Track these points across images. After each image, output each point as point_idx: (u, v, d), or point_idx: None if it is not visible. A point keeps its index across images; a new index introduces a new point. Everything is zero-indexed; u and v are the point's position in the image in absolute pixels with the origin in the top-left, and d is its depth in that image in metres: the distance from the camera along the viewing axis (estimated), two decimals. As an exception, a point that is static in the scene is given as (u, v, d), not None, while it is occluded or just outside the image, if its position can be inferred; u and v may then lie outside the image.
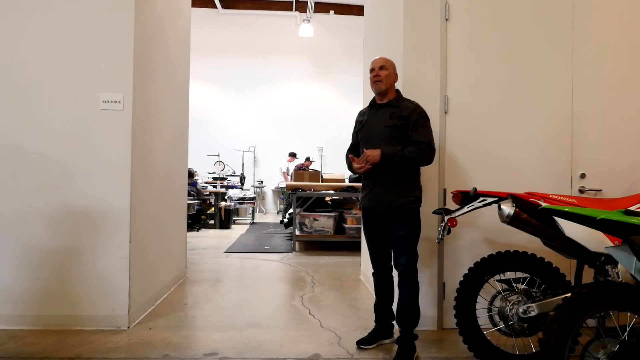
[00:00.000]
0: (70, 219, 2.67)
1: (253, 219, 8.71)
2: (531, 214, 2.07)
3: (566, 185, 2.78)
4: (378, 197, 2.35)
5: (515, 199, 2.11)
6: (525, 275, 2.24)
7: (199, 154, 9.15)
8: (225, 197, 8.20)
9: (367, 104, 2.55)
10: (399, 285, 2.37)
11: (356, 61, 3.00)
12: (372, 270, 2.55)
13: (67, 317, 2.66)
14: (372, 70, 2.40)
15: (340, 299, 3.44)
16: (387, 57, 2.47)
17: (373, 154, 2.26)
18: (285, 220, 6.56)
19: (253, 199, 8.89)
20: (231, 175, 9.73)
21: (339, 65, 10.74)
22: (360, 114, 2.57)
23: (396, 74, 2.43)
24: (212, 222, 7.70)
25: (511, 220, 2.09)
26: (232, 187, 9.00)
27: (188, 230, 4.67)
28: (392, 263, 2.42)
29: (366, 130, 2.44)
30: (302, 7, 10.46)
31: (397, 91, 2.44)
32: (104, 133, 2.68)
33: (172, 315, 2.99)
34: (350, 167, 2.51)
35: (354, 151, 2.55)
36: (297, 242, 5.70)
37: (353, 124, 2.63)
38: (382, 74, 2.36)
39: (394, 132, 2.30)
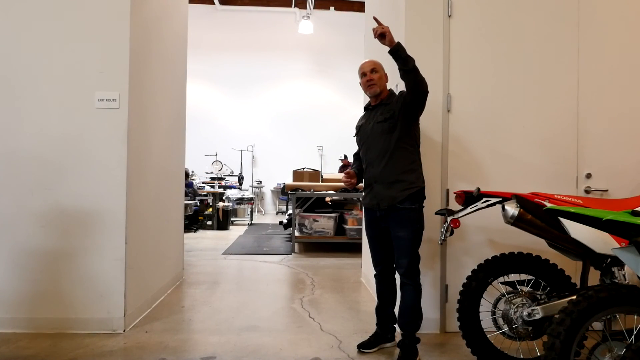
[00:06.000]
0: (65, 219, 2.62)
1: (252, 219, 8.66)
2: (536, 214, 2.04)
3: (572, 185, 2.74)
4: (380, 194, 2.32)
5: (520, 199, 2.08)
6: (530, 277, 2.21)
7: (197, 153, 9.10)
8: (223, 198, 8.15)
9: (365, 108, 2.56)
10: (401, 288, 2.34)
11: (357, 59, 2.98)
12: (374, 272, 2.52)
13: (61, 320, 2.61)
14: (363, 74, 2.38)
15: (341, 302, 3.40)
16: (375, 59, 2.46)
17: (391, 33, 2.10)
18: (285, 221, 6.52)
19: (252, 199, 8.85)
20: (229, 175, 9.68)
21: (340, 62, 10.69)
22: (359, 120, 2.58)
23: (386, 75, 2.42)
24: (209, 223, 7.65)
25: (515, 221, 2.06)
26: (230, 187, 8.95)
27: (185, 232, 4.63)
28: (394, 264, 2.38)
29: (363, 132, 2.45)
30: (301, 3, 10.43)
31: (390, 90, 2.43)
32: (99, 132, 2.63)
33: (168, 318, 2.95)
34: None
35: (358, 159, 2.55)
36: (296, 244, 5.66)
37: (353, 122, 2.62)
38: (375, 77, 2.35)
39: (384, 126, 2.29)
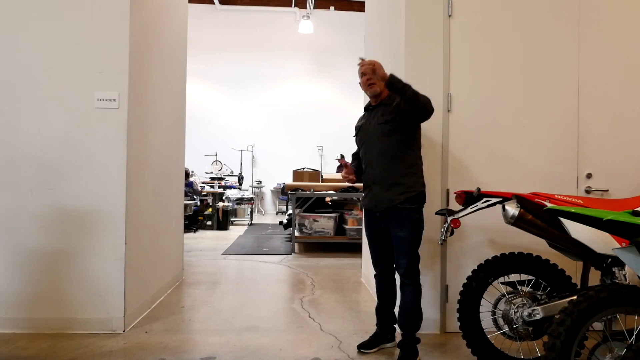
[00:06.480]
0: (65, 220, 2.61)
1: (251, 219, 8.65)
2: (536, 214, 2.03)
3: (572, 185, 2.74)
4: (378, 196, 2.32)
5: (520, 199, 2.07)
6: (530, 277, 2.20)
7: (196, 153, 9.09)
8: (223, 198, 8.14)
9: (365, 108, 2.55)
10: (401, 288, 2.34)
11: (357, 58, 3.01)
12: (374, 272, 2.51)
13: (60, 321, 2.60)
14: (363, 74, 2.37)
15: (341, 302, 3.39)
16: (380, 57, 2.48)
17: (381, 68, 2.14)
18: (285, 221, 6.51)
19: (251, 199, 8.84)
20: (229, 175, 9.67)
21: (340, 62, 10.66)
22: (358, 120, 2.57)
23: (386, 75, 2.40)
24: (209, 223, 7.64)
25: (516, 221, 2.05)
26: (230, 187, 8.94)
27: (185, 232, 4.62)
28: (394, 265, 2.38)
29: (363, 133, 2.44)
30: (301, 3, 10.41)
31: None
32: (98, 132, 2.62)
33: (168, 318, 2.94)
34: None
35: (357, 158, 2.55)
36: (296, 244, 5.65)
37: (353, 122, 2.62)
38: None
39: (385, 128, 2.28)
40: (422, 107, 2.16)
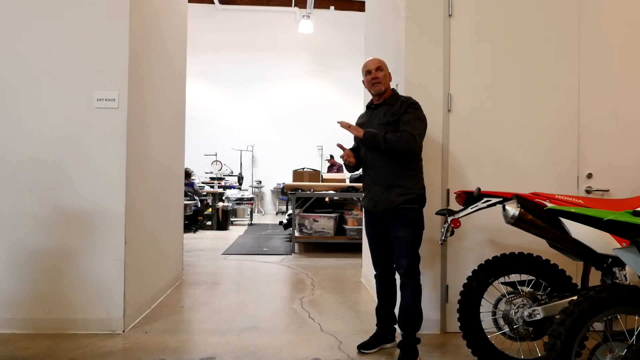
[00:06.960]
0: (64, 220, 2.61)
1: (251, 220, 8.65)
2: (536, 214, 2.03)
3: (572, 185, 2.73)
4: (377, 196, 2.32)
5: (520, 199, 2.07)
6: (531, 277, 2.20)
7: (196, 153, 9.08)
8: (223, 198, 8.14)
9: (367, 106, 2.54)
10: (401, 288, 2.33)
11: (357, 58, 3.02)
12: (374, 273, 2.51)
13: (60, 321, 2.60)
14: (368, 72, 2.36)
15: (341, 302, 3.39)
16: (380, 57, 2.45)
17: (357, 129, 2.26)
18: (284, 221, 6.51)
19: (251, 199, 8.84)
20: (229, 175, 9.67)
21: (339, 62, 10.67)
22: (360, 117, 2.57)
23: (390, 73, 2.41)
24: (209, 223, 7.63)
25: (516, 221, 2.05)
26: (230, 187, 8.94)
27: (185, 232, 4.62)
28: (394, 265, 2.37)
29: None
30: (301, 3, 10.42)
31: (393, 89, 2.43)
32: (98, 132, 2.62)
33: (168, 318, 2.94)
34: (346, 166, 2.51)
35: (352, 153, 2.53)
36: (296, 244, 5.65)
37: (353, 122, 2.60)
38: (380, 75, 2.34)
39: (386, 129, 2.28)
40: (401, 152, 2.22)
